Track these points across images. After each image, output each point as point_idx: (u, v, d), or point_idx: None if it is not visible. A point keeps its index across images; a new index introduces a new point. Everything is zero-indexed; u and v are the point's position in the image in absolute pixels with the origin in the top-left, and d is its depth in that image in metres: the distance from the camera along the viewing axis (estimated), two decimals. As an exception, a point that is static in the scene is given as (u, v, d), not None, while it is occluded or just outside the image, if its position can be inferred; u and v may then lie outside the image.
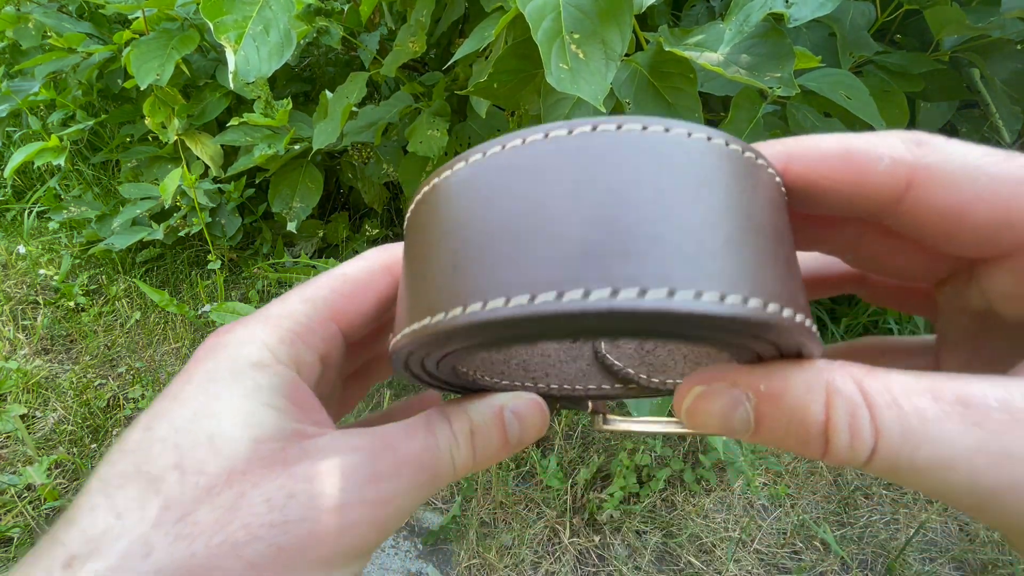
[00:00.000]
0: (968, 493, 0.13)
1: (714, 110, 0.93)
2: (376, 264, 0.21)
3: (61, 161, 1.35)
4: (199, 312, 1.37)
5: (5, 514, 0.98)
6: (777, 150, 0.16)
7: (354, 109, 1.12)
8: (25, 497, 1.01)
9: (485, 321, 0.12)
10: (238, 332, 0.18)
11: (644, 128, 0.13)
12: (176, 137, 1.37)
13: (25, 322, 1.38)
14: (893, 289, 0.21)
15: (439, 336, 0.13)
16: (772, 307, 0.12)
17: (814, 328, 0.14)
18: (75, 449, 1.10)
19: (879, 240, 0.18)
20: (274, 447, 0.16)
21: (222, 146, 1.41)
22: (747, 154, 0.14)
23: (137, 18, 1.28)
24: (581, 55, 0.66)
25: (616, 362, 0.22)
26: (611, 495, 1.00)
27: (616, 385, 0.23)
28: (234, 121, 1.29)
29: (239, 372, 0.17)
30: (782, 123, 0.81)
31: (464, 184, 0.14)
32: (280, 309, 0.19)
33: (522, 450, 0.22)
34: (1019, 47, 0.91)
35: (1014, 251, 0.15)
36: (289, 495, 0.16)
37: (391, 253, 0.21)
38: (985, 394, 0.13)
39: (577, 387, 0.23)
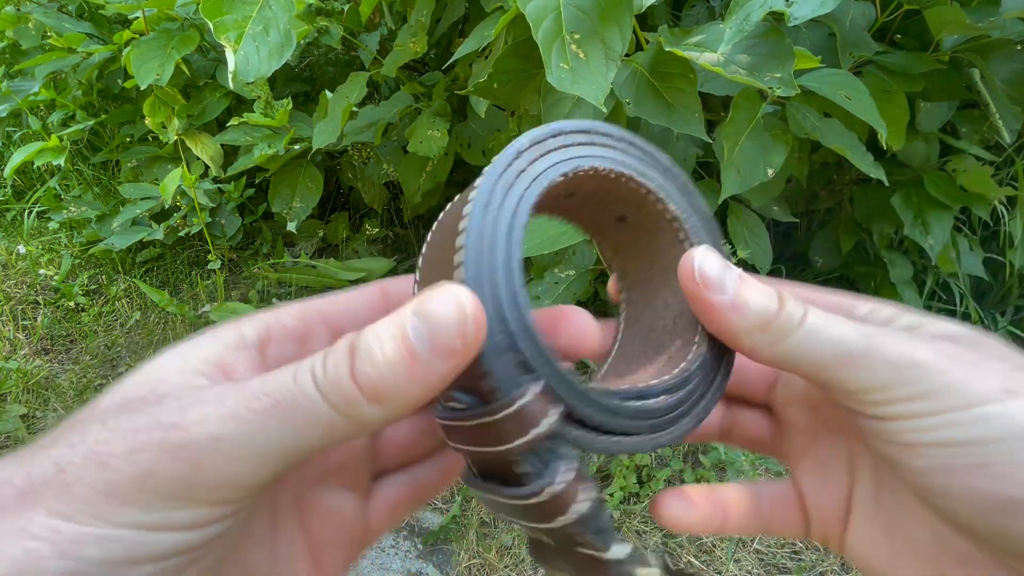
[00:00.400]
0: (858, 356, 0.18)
1: (714, 110, 0.93)
2: (373, 287, 0.22)
3: (61, 161, 1.35)
4: (199, 312, 1.37)
5: (5, 514, 0.98)
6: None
7: (354, 109, 1.12)
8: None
9: None
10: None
11: None
12: (176, 137, 1.37)
13: (25, 322, 1.38)
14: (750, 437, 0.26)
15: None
16: None
17: None
18: (75, 449, 1.10)
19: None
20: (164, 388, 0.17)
21: (222, 146, 1.41)
22: None
23: (137, 18, 1.28)
24: (581, 55, 0.66)
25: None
26: (611, 495, 1.00)
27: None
28: (234, 121, 1.29)
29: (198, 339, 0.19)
30: (782, 123, 0.81)
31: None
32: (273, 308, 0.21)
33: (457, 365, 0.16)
34: (1019, 47, 0.91)
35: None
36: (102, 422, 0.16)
37: (393, 282, 0.22)
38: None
39: None
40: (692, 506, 0.23)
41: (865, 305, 0.22)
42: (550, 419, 0.16)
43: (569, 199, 0.22)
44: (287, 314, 0.20)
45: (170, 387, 0.16)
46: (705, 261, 0.19)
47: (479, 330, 0.15)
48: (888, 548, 0.21)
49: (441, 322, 0.15)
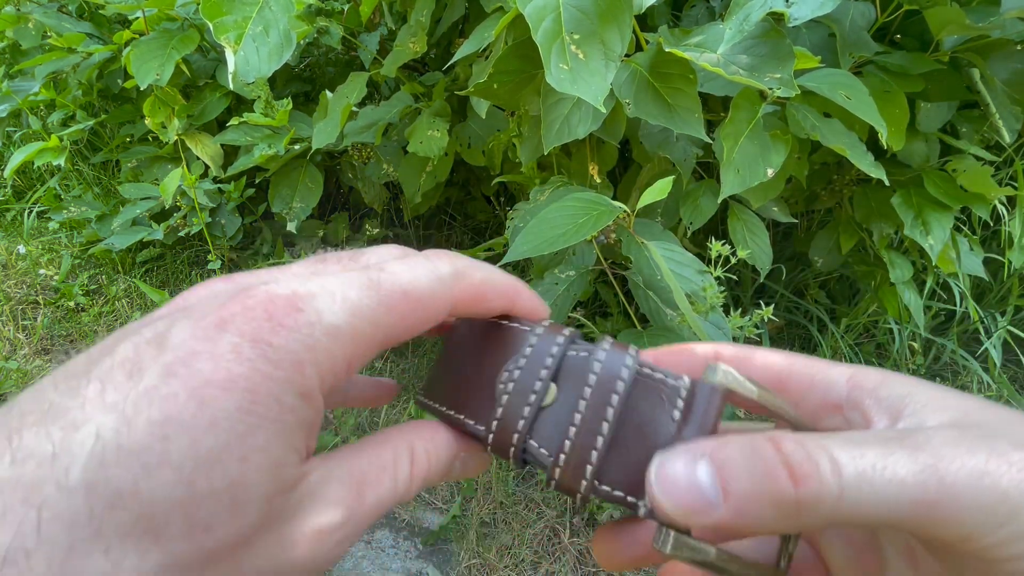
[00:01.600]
0: (918, 502, 0.15)
1: (714, 110, 0.93)
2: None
3: (61, 161, 1.35)
4: (199, 312, 1.37)
5: (5, 514, 0.98)
6: None
7: (354, 109, 1.12)
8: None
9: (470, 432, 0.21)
10: (317, 303, 0.17)
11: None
12: (176, 137, 1.37)
13: (25, 322, 1.38)
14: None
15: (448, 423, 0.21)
16: None
17: None
18: (75, 449, 1.10)
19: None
20: (279, 502, 0.16)
21: (222, 146, 1.41)
22: None
23: (137, 18, 1.28)
24: (581, 55, 0.66)
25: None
26: (611, 495, 1.01)
27: None
28: (234, 121, 1.29)
29: (285, 399, 0.16)
30: (782, 123, 0.81)
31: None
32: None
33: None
34: (1019, 47, 0.91)
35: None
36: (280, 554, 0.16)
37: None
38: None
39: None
40: (633, 545, 0.22)
41: (843, 376, 0.20)
42: None
43: None
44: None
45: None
46: (667, 481, 0.17)
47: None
48: None
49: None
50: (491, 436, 0.20)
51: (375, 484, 0.18)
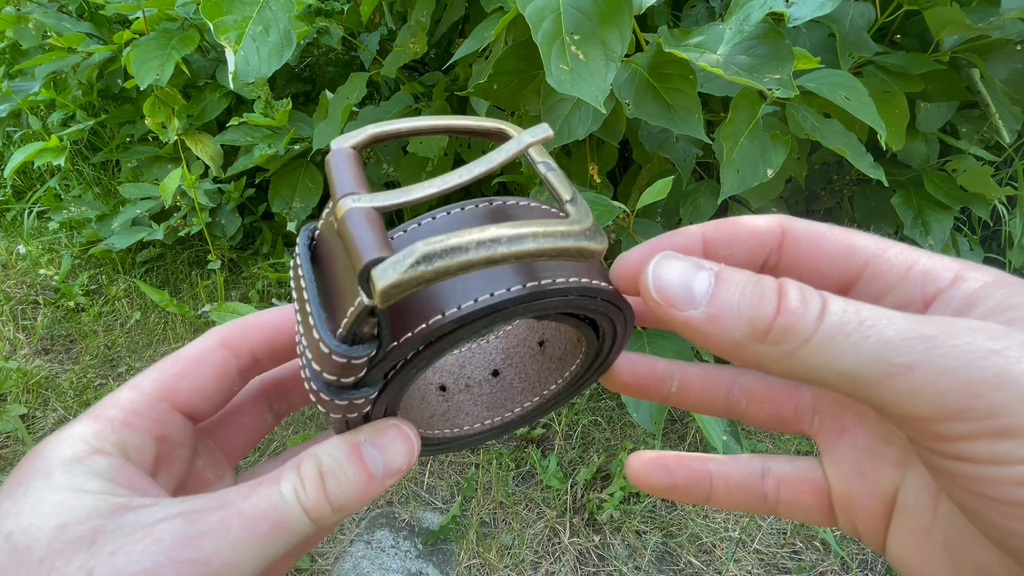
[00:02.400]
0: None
1: (714, 111, 0.93)
2: (212, 342, 0.22)
3: (61, 161, 1.35)
4: (199, 312, 1.37)
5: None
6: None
7: (354, 109, 1.12)
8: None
9: (461, 316, 0.17)
10: (57, 436, 0.19)
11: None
12: (176, 137, 1.37)
13: (25, 322, 1.38)
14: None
15: (441, 329, 0.17)
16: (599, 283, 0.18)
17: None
18: (75, 449, 1.10)
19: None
20: (83, 529, 0.16)
21: (222, 146, 1.41)
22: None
23: (137, 18, 1.28)
24: (581, 56, 0.66)
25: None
26: (611, 495, 1.01)
27: (497, 418, 0.26)
28: (234, 121, 1.29)
29: (49, 471, 0.17)
30: (782, 124, 0.81)
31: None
32: (106, 401, 0.20)
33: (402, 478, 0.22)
34: (1019, 47, 0.91)
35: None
36: (89, 572, 0.16)
37: (229, 330, 0.22)
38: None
39: (464, 427, 0.25)
40: (665, 470, 0.22)
41: (950, 265, 0.16)
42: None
43: None
44: (132, 415, 0.20)
45: (104, 521, 0.17)
46: (662, 270, 0.16)
47: (417, 452, 0.19)
48: (946, 567, 0.17)
49: (394, 455, 0.19)
50: None
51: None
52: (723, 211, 0.99)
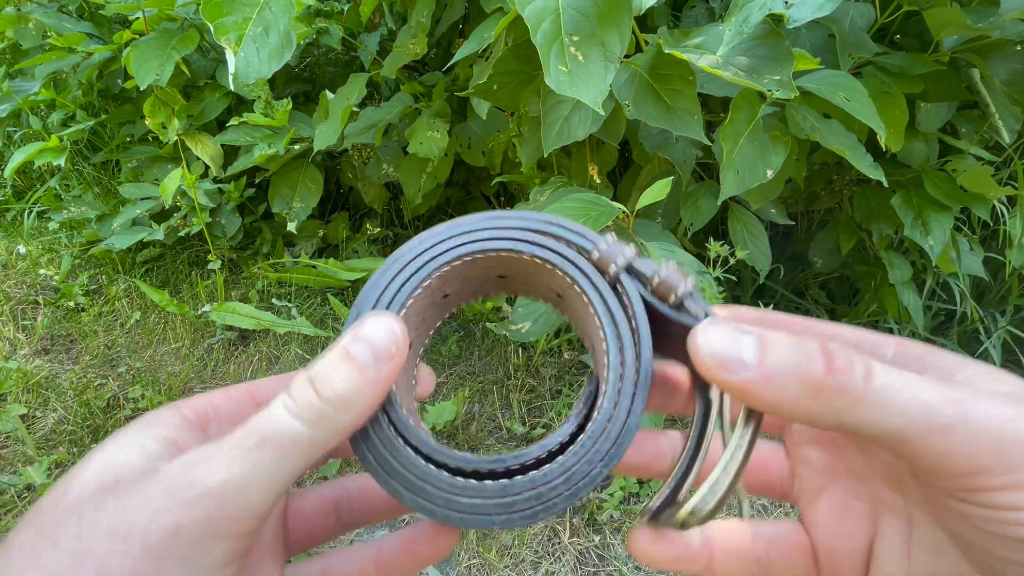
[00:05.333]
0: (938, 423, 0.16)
1: (714, 111, 0.93)
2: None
3: (61, 161, 1.35)
4: (199, 312, 1.37)
5: (5, 514, 0.98)
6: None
7: (355, 110, 1.13)
8: (25, 497, 1.01)
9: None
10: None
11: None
12: (176, 137, 1.38)
13: (25, 322, 1.38)
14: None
15: None
16: None
17: None
18: (75, 449, 1.10)
19: None
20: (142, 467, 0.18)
21: (222, 146, 1.41)
22: None
23: (137, 18, 1.28)
24: (580, 57, 0.66)
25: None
26: (611, 495, 1.01)
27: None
28: (234, 121, 1.29)
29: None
30: (781, 125, 0.81)
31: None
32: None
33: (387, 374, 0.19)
34: (1019, 47, 0.91)
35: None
36: (119, 510, 0.17)
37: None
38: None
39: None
40: (666, 542, 0.21)
41: (891, 344, 0.19)
42: None
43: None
44: (219, 398, 0.22)
45: (136, 468, 0.18)
46: (711, 337, 0.17)
47: (405, 337, 0.19)
48: None
49: (376, 336, 0.19)
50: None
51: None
52: (723, 211, 0.99)
